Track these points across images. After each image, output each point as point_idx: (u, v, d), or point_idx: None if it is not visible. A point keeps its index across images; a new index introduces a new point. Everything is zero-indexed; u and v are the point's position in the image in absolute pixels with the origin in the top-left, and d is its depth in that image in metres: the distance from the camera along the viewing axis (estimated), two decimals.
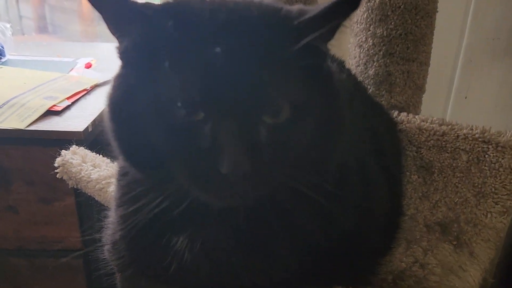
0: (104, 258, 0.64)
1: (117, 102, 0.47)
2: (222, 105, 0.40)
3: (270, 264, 0.51)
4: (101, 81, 1.31)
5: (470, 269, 0.71)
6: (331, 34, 0.46)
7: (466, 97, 1.23)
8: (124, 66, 0.48)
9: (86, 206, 1.07)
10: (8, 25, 1.48)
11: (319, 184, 0.49)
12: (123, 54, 0.47)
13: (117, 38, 0.47)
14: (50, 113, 1.07)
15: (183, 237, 0.49)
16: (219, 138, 0.40)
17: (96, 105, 1.14)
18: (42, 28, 3.17)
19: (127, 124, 0.46)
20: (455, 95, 1.24)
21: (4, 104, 1.08)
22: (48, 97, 1.14)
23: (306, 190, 0.45)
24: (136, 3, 0.45)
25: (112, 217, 0.58)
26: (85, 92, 1.22)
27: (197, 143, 0.41)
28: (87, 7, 3.88)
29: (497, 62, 1.17)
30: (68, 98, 1.15)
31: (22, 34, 2.54)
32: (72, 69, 1.41)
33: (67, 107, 1.11)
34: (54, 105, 1.09)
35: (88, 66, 1.47)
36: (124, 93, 0.46)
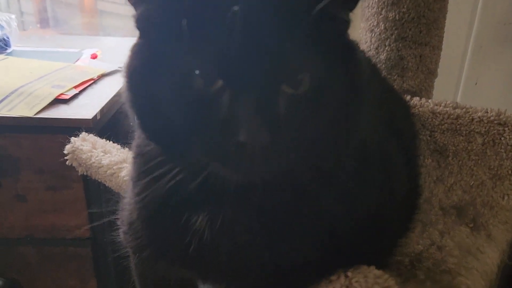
0: (119, 242, 0.64)
1: (134, 72, 0.46)
2: (241, 74, 0.39)
3: (292, 243, 0.50)
4: (108, 70, 1.30)
5: (487, 251, 0.71)
6: (352, 1, 0.44)
7: (476, 83, 1.22)
8: (141, 35, 0.47)
9: (95, 193, 1.06)
10: (13, 16, 1.47)
11: (340, 162, 0.48)
12: (140, 22, 0.46)
13: (133, 5, 0.46)
14: (58, 101, 1.06)
15: (202, 215, 0.48)
16: (238, 107, 0.39)
17: (103, 94, 1.13)
18: (44, 22, 3.16)
19: (144, 94, 0.45)
20: (465, 82, 1.23)
21: (11, 93, 1.08)
22: (55, 85, 1.13)
23: (326, 167, 0.44)
24: None
25: (128, 197, 0.58)
26: (92, 81, 1.21)
27: (215, 113, 0.40)
28: (89, 1, 3.87)
29: (508, 48, 1.16)
30: (75, 87, 1.14)
31: (24, 29, 2.53)
32: (78, 59, 1.40)
33: (75, 96, 1.10)
34: (62, 94, 1.08)
35: (94, 56, 1.46)
36: (141, 63, 0.45)
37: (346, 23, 0.46)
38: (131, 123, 0.51)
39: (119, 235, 0.63)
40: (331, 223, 0.50)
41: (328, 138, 0.45)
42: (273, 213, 0.49)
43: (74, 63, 1.36)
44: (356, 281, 0.49)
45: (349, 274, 0.50)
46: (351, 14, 0.46)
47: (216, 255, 0.49)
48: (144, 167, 0.50)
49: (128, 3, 0.47)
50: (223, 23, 0.39)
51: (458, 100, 1.22)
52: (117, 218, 0.64)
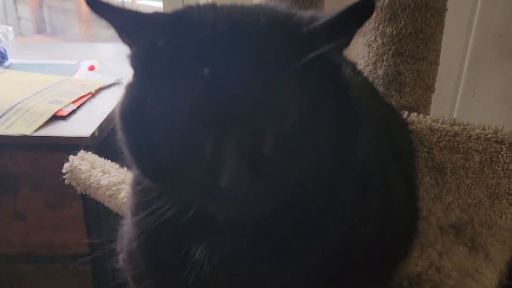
0: (118, 268, 0.64)
1: (126, 112, 0.47)
2: (224, 119, 0.39)
3: (291, 272, 0.50)
4: (106, 84, 1.30)
5: (486, 271, 0.71)
6: (345, 43, 0.44)
7: (473, 96, 1.22)
8: (134, 75, 0.48)
9: (94, 211, 1.06)
10: (10, 29, 1.47)
11: (336, 192, 0.48)
12: (132, 62, 0.47)
13: (127, 45, 0.47)
14: (56, 118, 1.06)
15: (201, 247, 0.49)
16: (220, 151, 0.39)
17: (101, 109, 1.13)
18: (41, 29, 3.16)
19: (135, 134, 0.46)
20: (462, 94, 1.23)
21: (9, 109, 1.08)
22: (53, 101, 1.13)
23: (318, 202, 0.44)
24: (139, 14, 0.45)
25: (127, 226, 0.58)
26: (90, 95, 1.21)
27: (199, 156, 0.41)
28: (86, 8, 3.85)
29: (504, 60, 1.16)
30: (73, 102, 1.14)
31: (21, 36, 2.54)
32: (76, 71, 1.40)
33: (73, 112, 1.10)
34: (60, 110, 1.09)
35: (92, 68, 1.46)
36: (132, 104, 0.46)
37: (338, 63, 0.46)
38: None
39: (118, 262, 0.63)
40: (330, 251, 0.50)
41: (320, 173, 0.45)
42: (270, 245, 0.49)
43: (72, 75, 1.36)
44: None
45: None
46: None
47: (216, 286, 0.50)
48: (142, 200, 0.51)
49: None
50: (200, 78, 0.40)
51: (456, 112, 1.22)
52: (117, 244, 0.64)
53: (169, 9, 0.48)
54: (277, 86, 0.40)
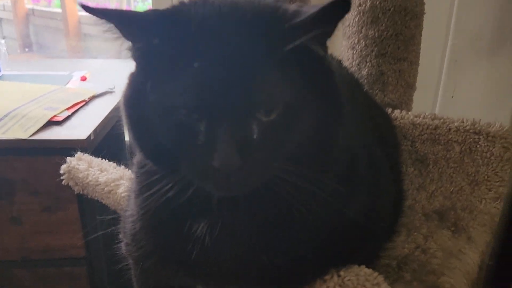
0: (119, 255, 0.66)
1: (129, 99, 0.51)
2: (215, 107, 0.44)
3: (285, 246, 0.53)
4: (98, 92, 1.33)
5: (469, 252, 0.75)
6: (327, 34, 0.48)
7: (453, 96, 1.28)
8: (136, 66, 0.52)
9: (90, 213, 1.08)
10: (2, 41, 1.49)
11: (325, 169, 0.52)
12: (134, 56, 0.51)
13: (129, 40, 0.51)
14: (51, 123, 1.08)
15: (203, 223, 0.52)
16: (213, 135, 0.44)
17: (96, 114, 1.16)
18: (27, 47, 3.18)
19: (138, 119, 0.50)
20: (442, 95, 1.29)
21: (5, 116, 1.10)
22: (48, 108, 1.15)
23: (308, 177, 0.48)
24: (135, 14, 0.49)
25: (130, 210, 0.61)
26: (84, 103, 1.24)
27: (195, 139, 0.45)
28: (73, 25, 3.89)
29: (481, 61, 1.23)
30: (68, 109, 1.16)
31: (8, 54, 2.55)
32: (68, 82, 1.43)
33: (68, 117, 1.13)
34: (55, 116, 1.11)
35: (84, 79, 1.49)
36: (134, 92, 0.51)
37: (321, 53, 0.49)
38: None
39: (120, 249, 0.66)
40: (321, 225, 0.54)
41: (306, 153, 0.49)
42: (265, 219, 0.53)
43: (64, 85, 1.39)
44: (348, 280, 0.53)
45: (342, 273, 0.54)
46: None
47: (217, 260, 0.53)
48: (145, 183, 0.54)
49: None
50: (193, 67, 0.44)
51: (436, 112, 1.27)
52: (119, 232, 0.67)
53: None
54: (263, 75, 0.44)
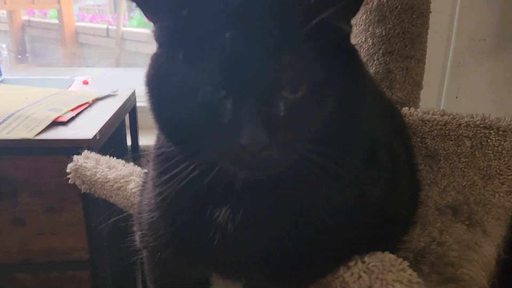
0: (134, 248, 0.65)
1: (152, 79, 0.51)
2: (242, 84, 0.43)
3: (308, 232, 0.52)
4: (102, 95, 1.32)
5: (485, 245, 0.74)
6: (351, 11, 0.48)
7: (456, 97, 1.29)
8: (158, 47, 0.51)
9: (95, 214, 1.06)
10: (3, 45, 1.49)
11: (348, 154, 0.51)
12: (157, 36, 0.51)
13: (151, 21, 0.50)
14: (56, 124, 1.07)
15: (225, 209, 0.51)
16: (239, 113, 0.43)
17: (101, 116, 1.15)
18: (23, 58, 3.17)
19: (161, 99, 0.49)
20: (446, 95, 1.30)
21: (8, 117, 1.08)
22: (52, 109, 1.14)
23: (328, 163, 0.47)
24: None
25: (146, 200, 0.59)
26: (88, 105, 1.23)
27: (220, 117, 0.44)
28: (70, 35, 3.89)
29: (484, 62, 1.24)
30: (72, 110, 1.15)
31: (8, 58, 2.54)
32: (71, 85, 1.42)
33: (72, 118, 1.12)
34: (60, 116, 1.10)
35: (86, 83, 1.49)
36: (157, 71, 0.50)
37: (347, 30, 0.50)
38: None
39: (128, 244, 0.64)
40: (344, 210, 0.53)
41: (331, 133, 0.49)
42: (288, 204, 0.52)
43: (67, 89, 1.38)
44: (374, 265, 0.52)
45: (366, 259, 0.53)
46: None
47: (239, 247, 0.52)
48: (164, 166, 0.53)
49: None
50: (221, 43, 0.44)
51: None
52: (129, 226, 0.65)
53: None
54: (289, 51, 0.44)
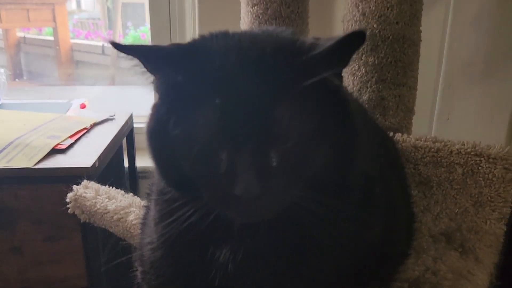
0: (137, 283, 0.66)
1: (151, 131, 0.53)
2: (236, 138, 0.45)
3: (307, 271, 0.54)
4: (99, 119, 1.34)
5: (477, 273, 0.76)
6: (343, 64, 0.50)
7: (448, 119, 1.32)
8: (159, 98, 0.53)
9: (93, 242, 1.07)
10: (1, 70, 1.50)
11: (343, 194, 0.53)
12: (157, 89, 0.53)
13: (151, 73, 0.52)
14: (55, 151, 1.09)
15: (226, 249, 0.53)
16: (234, 165, 0.45)
17: (99, 142, 1.16)
18: (18, 75, 3.18)
19: (161, 149, 0.52)
20: (438, 118, 1.32)
21: (8, 145, 1.10)
22: (51, 136, 1.16)
23: (321, 209, 0.49)
24: (160, 48, 0.51)
25: (148, 238, 0.61)
26: (86, 130, 1.25)
27: (216, 169, 0.47)
28: (65, 52, 3.90)
29: (474, 85, 1.27)
30: (70, 137, 1.17)
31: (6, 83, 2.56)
32: (68, 110, 1.44)
33: (71, 145, 1.13)
34: (58, 144, 1.11)
35: (83, 106, 1.50)
36: (157, 123, 0.52)
37: (337, 83, 0.51)
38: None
39: (124, 278, 0.66)
40: (341, 251, 0.55)
41: (324, 179, 0.50)
42: (286, 245, 0.53)
43: (65, 113, 1.39)
44: None
45: None
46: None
47: (240, 286, 0.53)
48: (166, 210, 0.55)
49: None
50: (214, 103, 0.46)
51: (433, 135, 1.31)
52: (135, 260, 0.66)
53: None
54: (281, 107, 0.46)
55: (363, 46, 1.00)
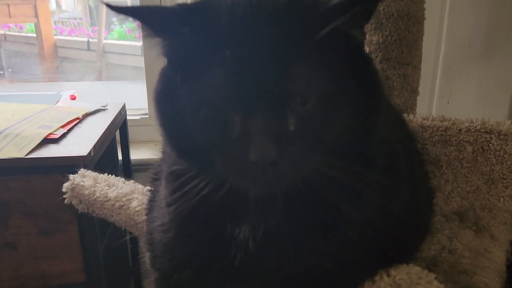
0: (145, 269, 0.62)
1: (160, 95, 0.49)
2: (249, 97, 0.42)
3: (332, 246, 0.51)
4: (92, 109, 1.29)
5: (494, 250, 0.74)
6: (364, 18, 0.46)
7: (448, 102, 1.30)
8: (167, 62, 0.50)
9: (90, 235, 1.03)
10: None
11: (363, 169, 0.50)
12: (164, 52, 0.49)
13: (159, 37, 0.49)
14: (47, 141, 1.04)
15: (245, 226, 0.49)
16: (248, 128, 0.42)
17: (92, 132, 1.12)
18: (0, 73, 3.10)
19: (169, 115, 0.48)
20: (438, 101, 1.31)
21: None
22: (42, 126, 1.11)
23: (345, 176, 0.45)
24: (165, 8, 0.48)
25: (159, 220, 0.57)
26: (78, 120, 1.20)
27: (229, 133, 0.43)
28: (49, 49, 3.81)
29: (474, 67, 1.26)
30: (62, 126, 1.12)
31: None
32: (58, 101, 1.38)
33: (64, 135, 1.09)
34: (51, 133, 1.07)
35: (73, 98, 1.45)
36: (165, 87, 0.49)
37: (360, 38, 0.48)
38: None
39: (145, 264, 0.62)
40: (366, 223, 0.51)
41: (347, 145, 0.47)
42: (309, 219, 0.50)
43: (55, 104, 1.34)
44: (400, 279, 0.50)
45: (392, 272, 0.52)
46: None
47: (263, 265, 0.50)
48: (176, 183, 0.52)
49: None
50: (225, 58, 0.42)
51: None
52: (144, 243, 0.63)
53: None
54: (298, 62, 0.42)
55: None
